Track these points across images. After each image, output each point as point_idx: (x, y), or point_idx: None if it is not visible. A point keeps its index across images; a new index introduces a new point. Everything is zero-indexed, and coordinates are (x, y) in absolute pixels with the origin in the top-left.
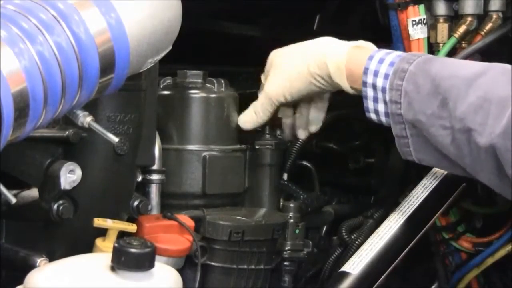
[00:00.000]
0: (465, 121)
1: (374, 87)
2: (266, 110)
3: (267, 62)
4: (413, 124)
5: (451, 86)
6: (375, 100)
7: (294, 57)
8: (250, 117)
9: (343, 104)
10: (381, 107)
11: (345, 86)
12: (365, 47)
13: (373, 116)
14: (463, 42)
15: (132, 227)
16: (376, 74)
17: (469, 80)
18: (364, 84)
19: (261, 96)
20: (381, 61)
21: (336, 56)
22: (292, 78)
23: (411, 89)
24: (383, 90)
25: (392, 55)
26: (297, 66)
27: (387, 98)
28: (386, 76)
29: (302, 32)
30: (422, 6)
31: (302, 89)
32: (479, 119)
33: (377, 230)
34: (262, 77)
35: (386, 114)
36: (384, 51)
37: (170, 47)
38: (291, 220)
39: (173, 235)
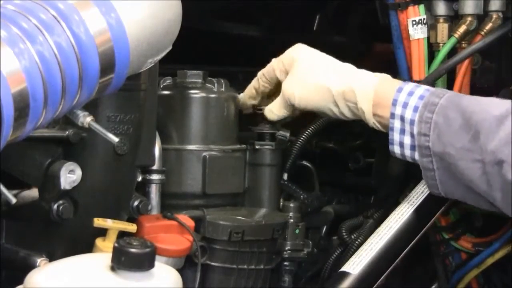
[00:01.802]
0: (497, 153)
1: (402, 119)
2: (288, 107)
3: (289, 54)
4: (440, 157)
5: (483, 120)
6: (402, 132)
7: (321, 73)
8: (277, 110)
9: None
10: (407, 140)
11: (368, 116)
12: (390, 79)
13: (396, 149)
14: (463, 42)
15: (132, 227)
16: (405, 106)
17: (500, 118)
18: (392, 115)
19: (281, 94)
20: (410, 93)
21: (365, 86)
22: (313, 94)
23: (441, 122)
24: (412, 122)
25: (421, 89)
26: (323, 84)
27: (415, 131)
28: (415, 109)
29: (302, 32)
30: (422, 6)
31: (317, 107)
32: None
33: (377, 230)
34: (275, 62)
35: (412, 147)
36: (412, 84)
37: (170, 47)
38: (291, 220)
39: (173, 235)
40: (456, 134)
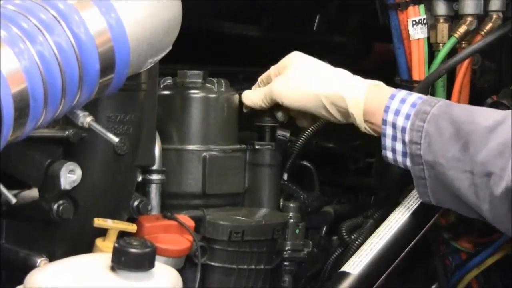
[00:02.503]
0: (486, 165)
1: (394, 126)
2: (266, 102)
3: (284, 60)
4: (431, 166)
5: (473, 131)
6: (394, 138)
7: (310, 78)
8: (255, 98)
9: None
10: (399, 146)
11: (360, 122)
12: (383, 86)
13: (389, 154)
14: (463, 42)
15: (132, 227)
16: (397, 113)
17: (490, 128)
18: (384, 122)
19: (267, 88)
20: (402, 101)
21: (355, 92)
22: (300, 97)
23: (433, 131)
24: (403, 130)
25: (413, 96)
26: (311, 89)
27: (407, 139)
28: (407, 116)
29: (302, 32)
30: (422, 6)
31: (307, 109)
32: (500, 163)
33: (377, 230)
34: (272, 68)
35: (403, 154)
36: (405, 91)
37: (170, 47)
38: (291, 220)
39: (173, 235)
40: (447, 143)
